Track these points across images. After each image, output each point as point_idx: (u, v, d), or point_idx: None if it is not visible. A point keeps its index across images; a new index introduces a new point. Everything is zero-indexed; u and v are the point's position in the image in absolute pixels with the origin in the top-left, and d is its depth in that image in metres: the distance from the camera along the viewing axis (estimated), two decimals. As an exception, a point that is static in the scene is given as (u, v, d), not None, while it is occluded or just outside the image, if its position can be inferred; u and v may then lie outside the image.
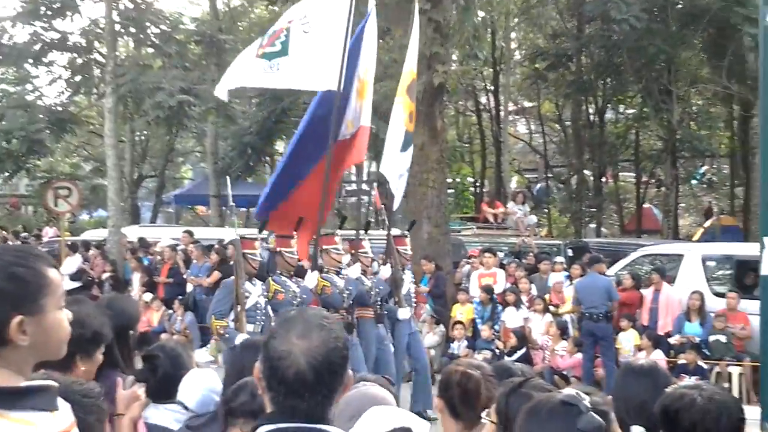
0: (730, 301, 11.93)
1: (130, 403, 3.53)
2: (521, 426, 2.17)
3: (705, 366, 11.29)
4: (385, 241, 10.77)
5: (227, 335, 8.21)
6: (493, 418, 2.70)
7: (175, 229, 21.45)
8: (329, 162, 8.65)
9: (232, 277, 8.47)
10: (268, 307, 8.63)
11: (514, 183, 33.88)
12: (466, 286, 14.28)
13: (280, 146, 35.39)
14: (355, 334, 9.32)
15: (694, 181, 28.77)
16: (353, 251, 10.19)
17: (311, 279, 9.01)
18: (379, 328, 9.91)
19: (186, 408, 3.84)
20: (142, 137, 33.63)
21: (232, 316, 8.34)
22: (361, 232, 10.36)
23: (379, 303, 10.03)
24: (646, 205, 32.15)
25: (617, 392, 3.24)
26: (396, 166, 10.03)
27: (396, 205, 10.86)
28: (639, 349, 11.66)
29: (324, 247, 9.46)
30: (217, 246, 16.39)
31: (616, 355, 11.86)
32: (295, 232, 9.15)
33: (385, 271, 10.22)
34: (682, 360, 11.48)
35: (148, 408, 3.69)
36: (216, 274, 15.20)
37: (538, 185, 35.43)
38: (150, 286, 16.44)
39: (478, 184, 34.07)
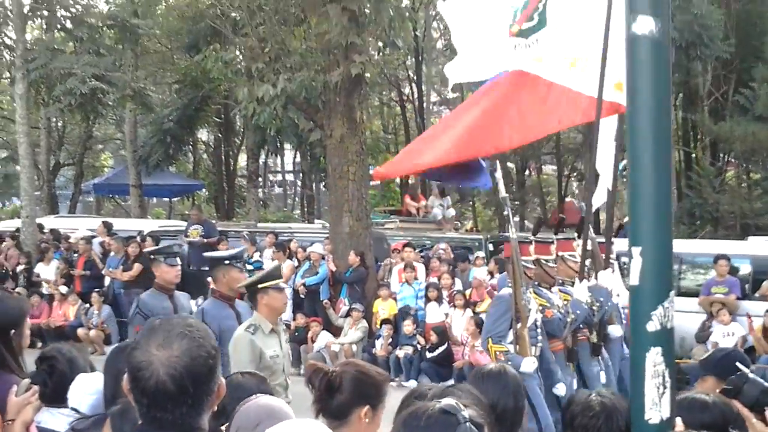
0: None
1: (21, 408, 3.43)
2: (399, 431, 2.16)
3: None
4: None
5: (509, 362, 6.20)
6: None
7: (94, 219, 20.86)
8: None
9: (506, 290, 6.99)
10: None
11: (439, 175, 33.94)
12: (387, 281, 14.20)
13: (203, 134, 34.87)
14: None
15: (613, 175, 29.22)
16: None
17: (581, 290, 7.36)
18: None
19: (78, 413, 3.77)
20: (59, 124, 32.67)
21: (510, 337, 6.87)
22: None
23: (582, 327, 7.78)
24: (568, 199, 32.61)
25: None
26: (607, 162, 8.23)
27: (595, 205, 8.65)
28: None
29: (560, 253, 7.81)
30: (137, 238, 16.07)
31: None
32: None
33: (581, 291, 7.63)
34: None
35: (42, 412, 3.61)
36: (137, 267, 14.85)
37: (463, 177, 35.63)
38: (67, 278, 15.99)
39: (403, 176, 34.09)
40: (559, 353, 7.39)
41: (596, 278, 7.67)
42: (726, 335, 11.38)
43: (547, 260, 7.50)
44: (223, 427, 3.11)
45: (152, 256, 7.46)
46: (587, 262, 7.47)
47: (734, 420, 3.23)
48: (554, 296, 7.38)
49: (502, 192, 6.91)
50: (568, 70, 6.93)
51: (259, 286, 5.87)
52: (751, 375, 2.85)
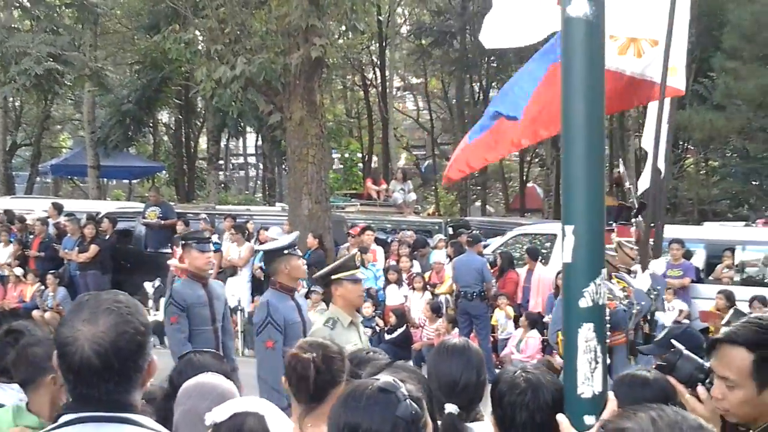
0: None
1: None
2: (338, 412, 2.16)
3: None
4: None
5: None
6: None
7: (50, 201, 20.55)
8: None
9: None
10: None
11: (402, 159, 34.04)
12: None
13: (163, 116, 34.52)
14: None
15: (574, 161, 29.52)
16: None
17: (644, 279, 7.09)
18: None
19: None
20: (16, 103, 32.11)
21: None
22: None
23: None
24: (530, 185, 32.85)
25: (431, 370, 3.31)
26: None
27: (642, 187, 8.19)
28: (517, 327, 11.86)
29: (617, 240, 7.28)
30: (92, 219, 15.91)
31: (494, 332, 12.05)
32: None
33: (644, 280, 7.27)
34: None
35: None
36: (94, 248, 14.80)
37: (426, 162, 35.73)
38: (21, 260, 15.80)
39: (366, 160, 34.09)
40: (621, 347, 7.02)
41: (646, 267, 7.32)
42: (668, 310, 11.59)
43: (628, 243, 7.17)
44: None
45: (183, 242, 7.05)
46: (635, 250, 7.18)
47: (674, 396, 3.31)
48: (614, 286, 6.94)
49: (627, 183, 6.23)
50: (617, 54, 6.62)
51: (333, 277, 5.54)
52: (685, 351, 2.90)
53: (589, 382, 2.29)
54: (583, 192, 2.35)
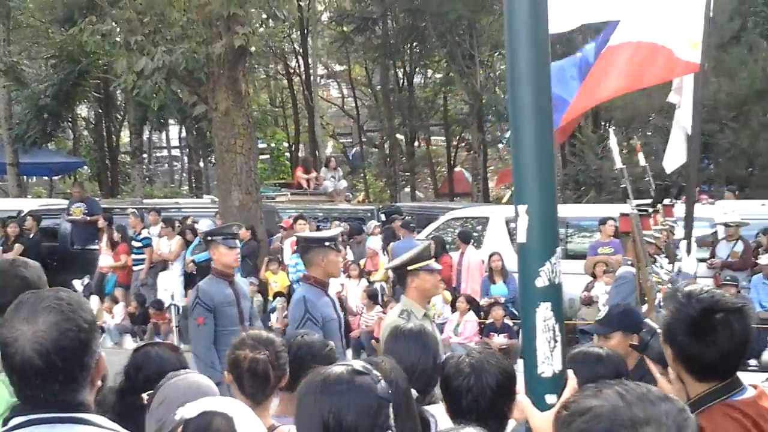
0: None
1: None
2: (316, 400, 2.17)
3: (511, 324, 11.67)
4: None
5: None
6: None
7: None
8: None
9: (628, 269, 6.18)
10: None
11: (329, 148, 33.93)
12: (279, 255, 14.08)
13: (82, 110, 33.67)
14: None
15: (500, 145, 29.88)
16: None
17: (690, 263, 6.69)
18: None
19: None
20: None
21: None
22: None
23: None
24: (457, 169, 33.11)
25: (389, 355, 3.31)
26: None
27: (670, 167, 7.65)
28: (453, 311, 11.91)
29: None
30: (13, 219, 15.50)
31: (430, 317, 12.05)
32: None
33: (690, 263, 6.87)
34: (491, 319, 11.81)
35: None
36: (18, 247, 14.50)
37: (353, 149, 35.69)
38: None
39: (293, 149, 33.88)
40: None
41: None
42: (606, 293, 11.69)
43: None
44: (145, 395, 3.00)
45: (209, 237, 6.62)
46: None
47: (627, 372, 3.34)
48: (660, 270, 6.42)
49: (618, 163, 5.88)
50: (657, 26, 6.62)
51: (409, 268, 5.25)
52: (659, 330, 2.92)
53: (549, 361, 2.28)
54: (535, 170, 2.32)
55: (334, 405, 2.13)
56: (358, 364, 2.26)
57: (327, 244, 5.78)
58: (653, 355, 2.89)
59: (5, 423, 2.04)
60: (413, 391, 3.05)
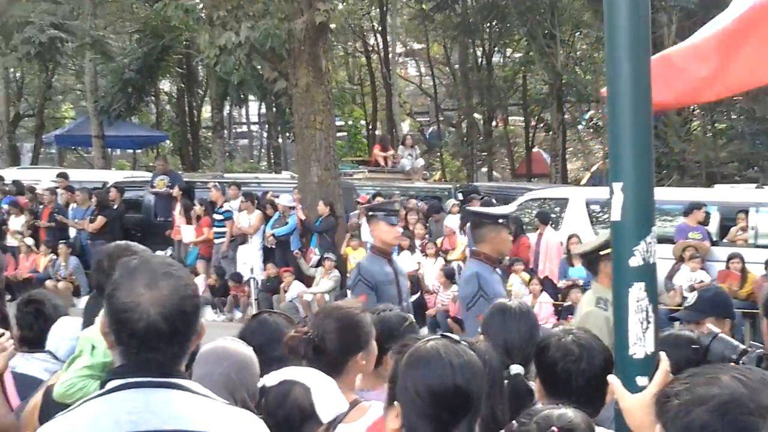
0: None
1: None
2: (403, 372, 2.19)
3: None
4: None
5: None
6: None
7: (56, 171, 20.53)
8: None
9: None
10: None
11: (406, 126, 33.89)
12: (358, 231, 14.15)
13: (165, 85, 34.31)
14: None
15: (580, 126, 29.40)
16: None
17: None
18: None
19: (56, 357, 3.77)
20: (17, 74, 31.95)
21: None
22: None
23: None
24: (535, 150, 32.71)
25: (494, 333, 3.32)
26: None
27: None
28: (529, 292, 11.80)
29: None
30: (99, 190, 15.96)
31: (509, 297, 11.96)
32: None
33: None
34: (568, 302, 11.65)
35: (16, 357, 3.54)
36: (101, 219, 14.82)
37: (430, 128, 35.57)
38: (32, 230, 15.83)
39: (370, 127, 33.94)
40: None
41: None
42: (690, 281, 11.41)
43: None
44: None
45: (370, 213, 6.46)
46: None
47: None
48: None
49: None
50: None
51: (601, 253, 4.99)
52: (720, 333, 2.88)
53: (641, 342, 2.24)
54: (631, 146, 2.28)
55: (456, 370, 2.15)
56: (447, 337, 2.26)
57: (501, 221, 5.57)
58: (714, 357, 2.83)
59: (102, 385, 2.08)
60: (521, 368, 3.09)
